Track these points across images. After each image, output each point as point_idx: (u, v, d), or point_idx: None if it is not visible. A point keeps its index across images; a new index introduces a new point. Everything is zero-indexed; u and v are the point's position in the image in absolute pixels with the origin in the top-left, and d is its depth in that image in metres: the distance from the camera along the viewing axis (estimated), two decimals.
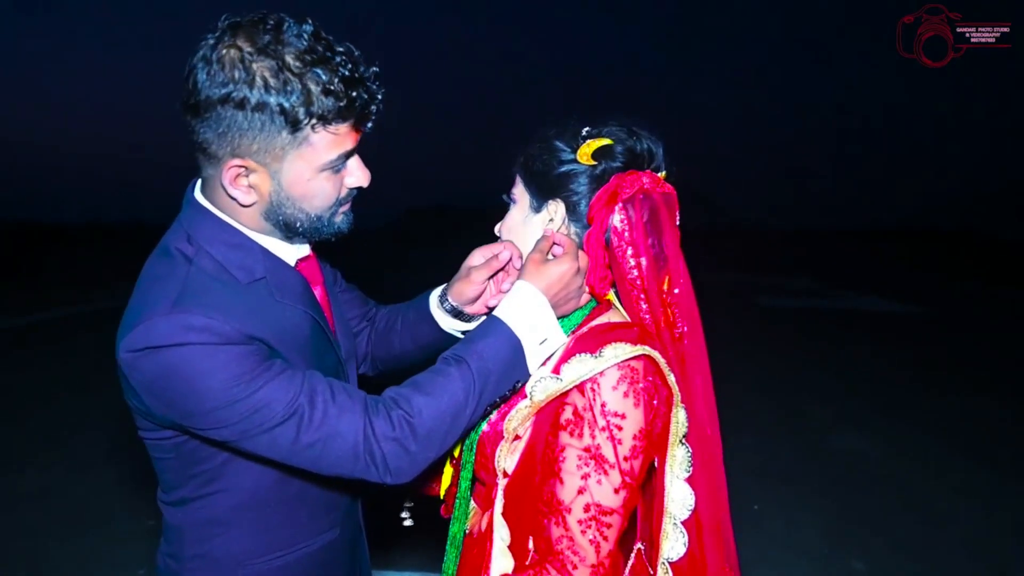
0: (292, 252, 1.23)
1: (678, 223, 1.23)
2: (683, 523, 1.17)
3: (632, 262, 1.21)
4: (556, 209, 1.27)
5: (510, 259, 1.34)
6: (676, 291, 1.19)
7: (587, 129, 1.26)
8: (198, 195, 1.18)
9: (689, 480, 1.17)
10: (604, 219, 1.22)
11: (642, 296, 1.22)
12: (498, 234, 1.39)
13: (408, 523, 1.53)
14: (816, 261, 23.44)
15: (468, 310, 1.42)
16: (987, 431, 5.58)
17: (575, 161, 1.24)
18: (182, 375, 1.02)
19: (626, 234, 1.21)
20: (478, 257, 1.40)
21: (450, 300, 1.42)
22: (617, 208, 1.21)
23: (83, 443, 4.98)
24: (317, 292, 1.29)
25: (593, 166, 1.23)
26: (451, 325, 1.45)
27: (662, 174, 1.26)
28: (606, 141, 1.24)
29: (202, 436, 1.09)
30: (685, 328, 1.19)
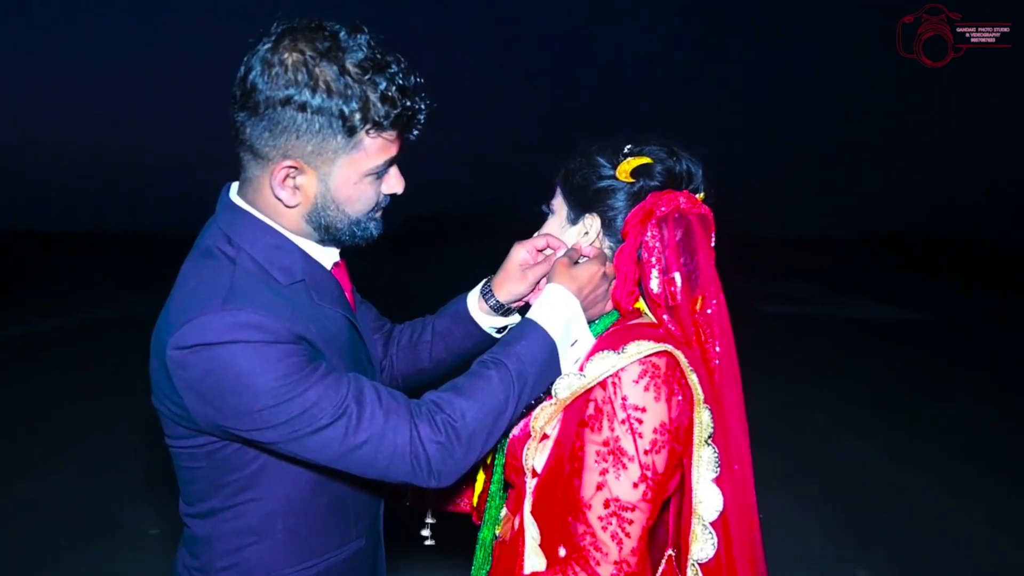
0: (327, 256, 1.25)
1: (714, 244, 1.25)
2: (711, 524, 1.18)
3: (660, 278, 1.23)
4: (592, 223, 1.30)
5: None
6: (709, 311, 1.20)
7: (629, 147, 1.29)
8: (235, 197, 1.19)
9: (717, 481, 1.18)
10: (638, 236, 1.24)
11: (666, 315, 1.23)
12: None
13: (429, 543, 1.53)
14: (817, 268, 23.44)
15: (516, 305, 1.43)
16: (990, 439, 5.59)
17: (614, 177, 1.27)
18: (233, 373, 1.01)
19: (657, 251, 1.23)
20: (524, 254, 1.40)
21: (497, 298, 1.42)
22: (651, 225, 1.23)
23: (87, 451, 4.98)
24: (347, 297, 1.31)
25: (631, 183, 1.27)
26: (491, 323, 1.46)
27: (700, 195, 1.29)
28: (646, 160, 1.27)
29: (245, 439, 1.09)
30: (719, 348, 1.20)
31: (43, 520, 3.93)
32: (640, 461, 1.12)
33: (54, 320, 10.92)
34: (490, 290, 1.43)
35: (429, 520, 1.55)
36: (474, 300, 1.46)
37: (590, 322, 1.27)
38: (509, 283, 1.41)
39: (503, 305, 1.43)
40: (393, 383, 1.53)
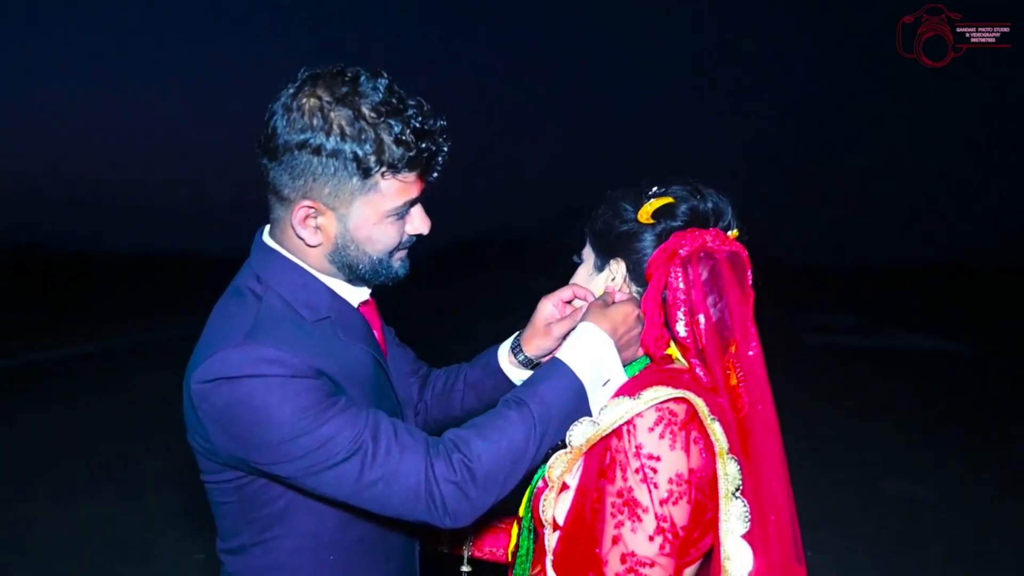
0: (355, 295, 1.26)
1: (750, 283, 1.18)
2: None
3: (686, 320, 1.18)
4: (618, 268, 1.28)
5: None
6: (750, 353, 1.13)
7: (654, 189, 1.26)
8: (267, 238, 1.23)
9: (747, 537, 1.09)
10: (662, 278, 1.20)
11: (695, 359, 1.17)
12: None
13: None
14: (861, 297, 22.95)
15: (545, 360, 1.40)
16: None
17: (636, 220, 1.24)
18: (252, 406, 1.04)
19: (680, 293, 1.18)
20: (551, 309, 1.39)
21: (526, 353, 1.41)
22: (674, 266, 1.18)
23: (132, 473, 5.06)
24: (376, 335, 1.31)
25: (653, 225, 1.23)
26: (521, 377, 1.44)
27: (733, 232, 1.23)
28: (668, 200, 1.23)
29: (265, 473, 1.10)
30: (756, 395, 1.11)
31: (89, 543, 3.98)
32: (655, 512, 1.06)
33: (103, 342, 11.14)
34: (519, 344, 1.42)
35: (465, 568, 1.52)
36: (504, 353, 1.46)
37: (625, 364, 1.23)
38: (536, 339, 1.40)
39: (532, 360, 1.41)
40: (427, 429, 1.51)
